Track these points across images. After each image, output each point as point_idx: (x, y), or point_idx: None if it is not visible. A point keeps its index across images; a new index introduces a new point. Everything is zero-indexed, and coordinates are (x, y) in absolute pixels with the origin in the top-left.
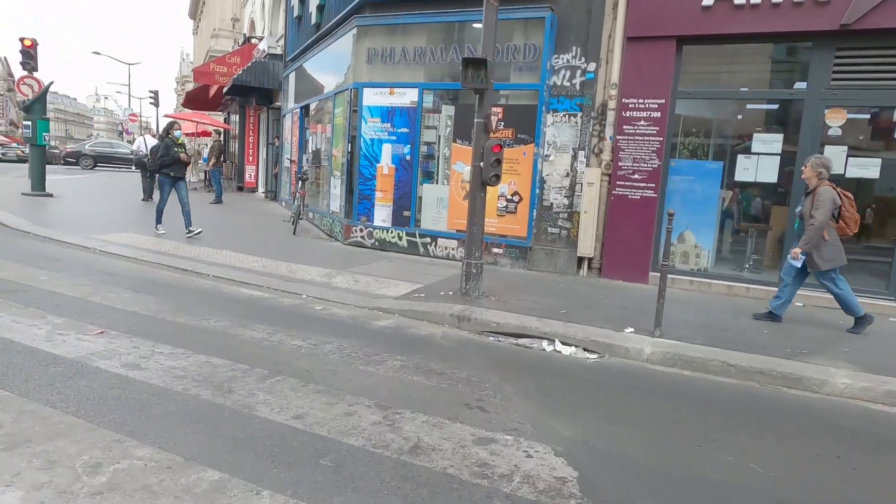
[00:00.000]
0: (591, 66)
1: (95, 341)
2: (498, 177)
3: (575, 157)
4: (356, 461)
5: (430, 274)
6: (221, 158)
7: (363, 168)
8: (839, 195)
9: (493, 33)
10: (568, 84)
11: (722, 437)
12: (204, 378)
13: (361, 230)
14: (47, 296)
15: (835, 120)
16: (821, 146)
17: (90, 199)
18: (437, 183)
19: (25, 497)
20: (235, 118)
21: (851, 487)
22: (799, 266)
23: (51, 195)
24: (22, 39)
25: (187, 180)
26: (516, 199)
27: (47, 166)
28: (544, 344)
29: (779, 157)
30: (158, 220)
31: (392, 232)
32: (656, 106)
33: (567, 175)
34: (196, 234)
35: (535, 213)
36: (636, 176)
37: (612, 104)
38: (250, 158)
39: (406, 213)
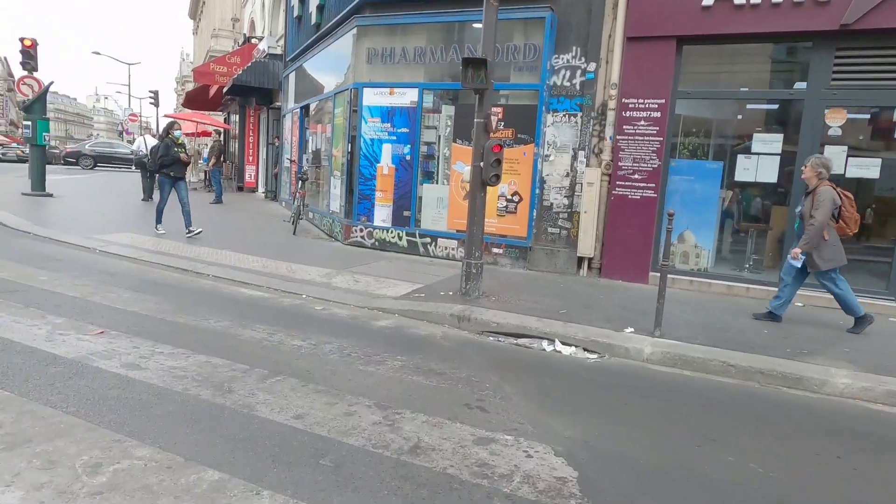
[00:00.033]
0: (591, 66)
1: (95, 341)
2: (498, 177)
3: (575, 157)
4: (356, 461)
5: (430, 274)
6: (221, 158)
7: (363, 168)
8: (839, 195)
9: (493, 33)
10: (568, 84)
11: (722, 437)
12: (204, 378)
13: (361, 230)
14: (47, 296)
15: (835, 120)
16: (821, 146)
17: (90, 199)
18: (437, 183)
19: (25, 497)
20: (235, 118)
21: (852, 488)
22: (799, 266)
23: (51, 195)
24: (22, 39)
25: (187, 180)
26: (516, 199)
27: (47, 166)
28: (544, 344)
29: (779, 157)
30: (158, 220)
31: (392, 232)
32: (656, 106)
33: (567, 175)
34: (196, 234)
35: (535, 213)
36: (636, 176)
37: (612, 104)
38: (250, 158)
39: (406, 213)
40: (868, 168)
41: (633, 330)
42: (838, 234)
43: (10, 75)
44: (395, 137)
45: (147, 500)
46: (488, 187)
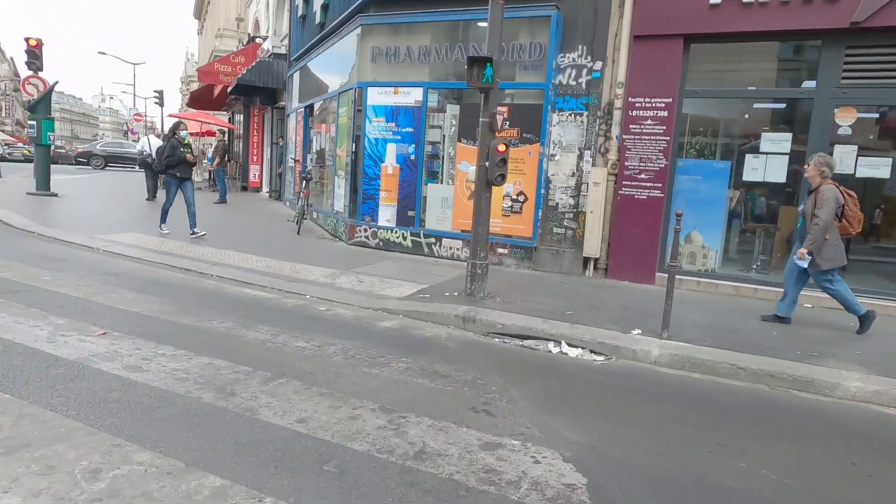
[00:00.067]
0: (598, 65)
1: (97, 342)
2: (503, 176)
3: (581, 157)
4: (360, 467)
5: (434, 274)
6: (226, 158)
7: (367, 168)
8: (843, 194)
9: (499, 32)
10: (574, 83)
11: (733, 441)
12: (206, 381)
13: (365, 230)
14: (50, 296)
15: (845, 119)
16: (830, 146)
17: (95, 199)
18: (441, 183)
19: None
20: (240, 118)
21: (868, 495)
22: (805, 266)
23: (55, 195)
24: (27, 39)
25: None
26: (521, 198)
27: (58, 166)
28: (550, 345)
29: (787, 157)
30: (163, 220)
31: (396, 232)
32: (663, 105)
33: (573, 175)
34: (200, 235)
35: (540, 213)
36: (643, 176)
37: (618, 103)
38: (254, 158)
39: (410, 213)
40: (878, 168)
41: (640, 331)
42: (841, 234)
43: (17, 75)
44: (399, 137)
45: None
46: (493, 187)
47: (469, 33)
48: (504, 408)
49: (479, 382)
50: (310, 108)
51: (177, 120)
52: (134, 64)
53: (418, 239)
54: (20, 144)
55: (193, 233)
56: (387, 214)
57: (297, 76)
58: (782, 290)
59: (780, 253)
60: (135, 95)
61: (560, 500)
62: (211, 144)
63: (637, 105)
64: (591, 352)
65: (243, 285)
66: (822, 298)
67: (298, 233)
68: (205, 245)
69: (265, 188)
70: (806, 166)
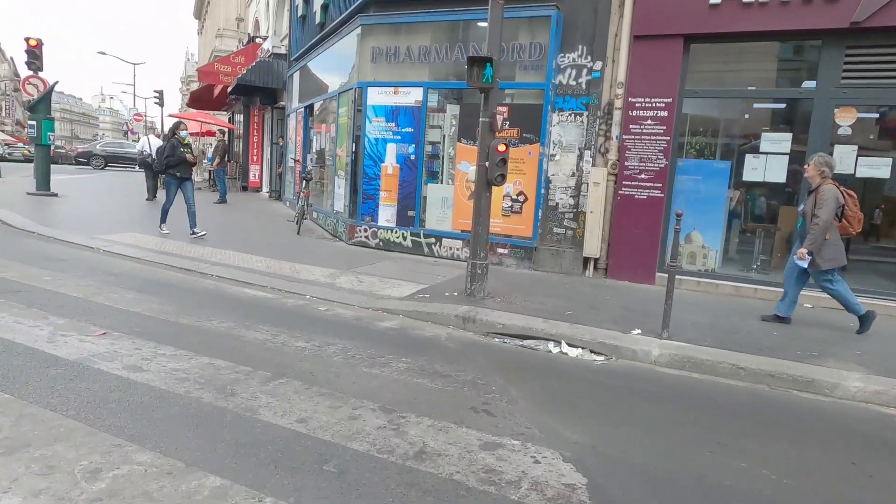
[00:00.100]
0: (598, 65)
1: (97, 342)
2: (503, 176)
3: (581, 157)
4: (360, 467)
5: (434, 274)
6: (226, 158)
7: (367, 168)
8: (842, 194)
9: (499, 32)
10: (574, 83)
11: (733, 442)
12: (206, 380)
13: (365, 230)
14: (50, 296)
15: (845, 119)
16: (830, 146)
17: (95, 199)
18: (441, 183)
19: None
20: (240, 118)
21: (868, 495)
22: (805, 266)
23: (55, 195)
24: (27, 39)
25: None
26: (521, 198)
27: (58, 166)
28: (550, 345)
29: (787, 157)
30: (163, 220)
31: (396, 232)
32: (663, 105)
33: (573, 175)
34: (200, 235)
35: (540, 213)
36: (643, 176)
37: (618, 103)
38: (254, 158)
39: (410, 213)
40: (878, 168)
41: (640, 331)
42: (841, 234)
43: (17, 75)
44: (399, 137)
45: None
46: (493, 187)
47: (469, 33)
48: (504, 408)
49: (479, 382)
50: (310, 108)
51: (177, 120)
52: (134, 64)
53: (418, 239)
54: (20, 144)
55: (193, 233)
56: (387, 214)
57: (297, 76)
58: (782, 290)
59: (780, 253)
60: (135, 95)
61: (560, 501)
62: (211, 144)
63: (637, 105)
64: (591, 352)
65: (243, 285)
66: (822, 298)
67: (298, 233)
68: (205, 245)
69: (265, 188)
70: (806, 166)
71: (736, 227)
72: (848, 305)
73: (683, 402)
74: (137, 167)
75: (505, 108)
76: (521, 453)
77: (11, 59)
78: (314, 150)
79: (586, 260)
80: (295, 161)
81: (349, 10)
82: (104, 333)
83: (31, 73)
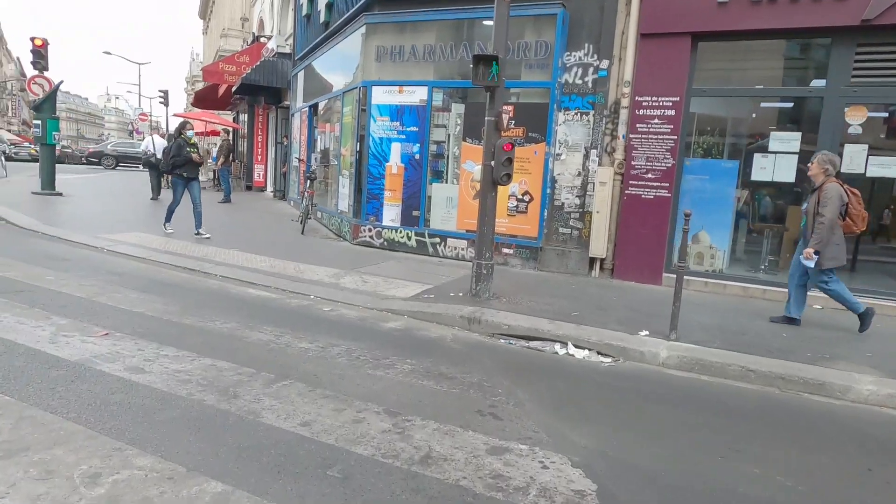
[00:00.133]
0: (604, 64)
1: (100, 343)
2: (509, 176)
3: (587, 156)
4: (365, 472)
5: (439, 275)
6: (230, 157)
7: (372, 167)
8: (846, 192)
9: (505, 30)
10: (580, 82)
11: (745, 446)
12: (209, 382)
13: (370, 230)
14: (53, 296)
15: (855, 118)
16: (840, 145)
17: (99, 199)
18: (446, 182)
19: None
20: (244, 117)
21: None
22: (812, 265)
23: (60, 194)
24: (33, 39)
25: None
26: (527, 198)
27: (65, 165)
28: (557, 347)
29: (796, 156)
30: (168, 220)
31: (401, 232)
32: (670, 104)
33: (579, 174)
34: (205, 237)
35: (546, 213)
36: (650, 175)
37: (624, 102)
38: (259, 157)
39: (415, 213)
40: (889, 167)
41: (647, 333)
42: (845, 232)
43: (23, 75)
44: (404, 136)
45: None
46: (499, 187)
47: (474, 32)
48: (511, 411)
49: (485, 384)
50: (314, 108)
51: (183, 120)
52: (139, 64)
53: (423, 239)
54: (27, 144)
55: (198, 233)
56: (391, 214)
57: (301, 75)
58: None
59: (788, 253)
60: (140, 95)
61: None
62: (215, 144)
63: (644, 104)
64: (598, 353)
65: (247, 285)
66: (831, 300)
67: (303, 232)
68: (209, 245)
69: (269, 188)
70: (809, 164)
71: (744, 227)
72: (847, 304)
73: (693, 405)
74: (142, 167)
75: (510, 107)
76: (529, 458)
77: (18, 58)
78: (318, 150)
79: (592, 260)
80: (299, 160)
81: (354, 9)
82: (106, 334)
83: (36, 72)
